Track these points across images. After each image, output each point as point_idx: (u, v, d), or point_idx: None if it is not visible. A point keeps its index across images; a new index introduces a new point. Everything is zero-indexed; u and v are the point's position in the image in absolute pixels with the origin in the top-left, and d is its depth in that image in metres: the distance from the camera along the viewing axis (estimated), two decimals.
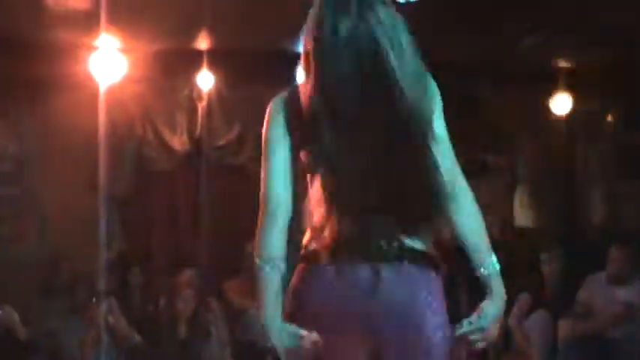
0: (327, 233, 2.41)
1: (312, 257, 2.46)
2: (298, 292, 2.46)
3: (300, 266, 2.51)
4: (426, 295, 2.46)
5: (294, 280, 2.50)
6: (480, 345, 2.50)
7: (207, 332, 6.86)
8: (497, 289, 2.62)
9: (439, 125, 2.51)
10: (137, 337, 6.61)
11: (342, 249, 2.38)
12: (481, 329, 2.49)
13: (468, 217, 2.61)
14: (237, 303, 7.25)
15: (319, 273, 2.42)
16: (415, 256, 2.44)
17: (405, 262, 2.41)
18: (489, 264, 2.67)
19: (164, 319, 6.76)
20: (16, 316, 6.46)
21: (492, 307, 2.56)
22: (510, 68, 8.06)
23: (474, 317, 2.51)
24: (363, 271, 2.38)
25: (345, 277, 2.37)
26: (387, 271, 2.38)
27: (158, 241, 8.23)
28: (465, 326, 2.48)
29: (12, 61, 7.06)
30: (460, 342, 2.47)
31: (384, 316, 2.37)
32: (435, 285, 2.52)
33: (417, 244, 2.45)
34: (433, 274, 2.52)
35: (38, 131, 7.76)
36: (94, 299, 6.58)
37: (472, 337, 2.48)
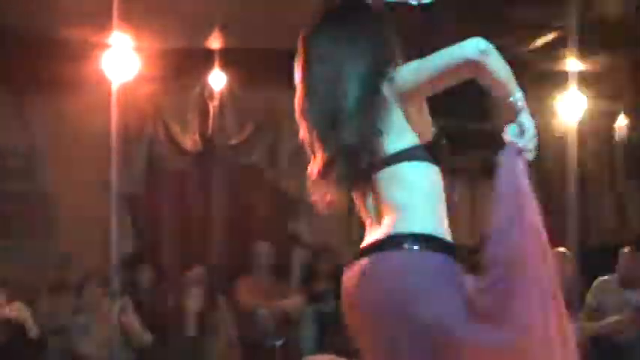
0: None
1: None
2: None
3: None
4: None
5: None
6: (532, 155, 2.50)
7: (215, 330, 6.89)
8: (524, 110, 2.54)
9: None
10: (148, 336, 6.63)
11: None
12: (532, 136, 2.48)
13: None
14: (247, 302, 7.26)
15: None
16: None
17: None
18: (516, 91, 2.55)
19: (173, 317, 6.78)
20: (27, 313, 6.48)
21: (526, 119, 2.52)
22: (520, 69, 8.05)
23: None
24: None
25: None
26: None
27: (168, 239, 8.25)
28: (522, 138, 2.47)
29: (25, 59, 7.10)
30: None
31: None
32: None
33: None
34: None
35: (50, 128, 7.79)
36: (108, 297, 6.60)
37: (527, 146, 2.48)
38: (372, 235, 2.49)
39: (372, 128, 2.44)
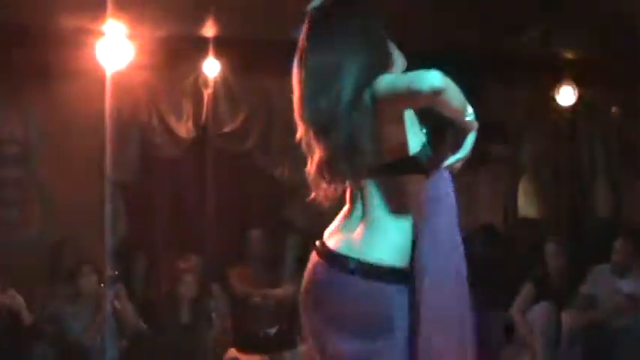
0: None
1: None
2: None
3: None
4: None
5: None
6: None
7: (209, 318, 6.89)
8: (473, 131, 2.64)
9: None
10: (142, 324, 6.64)
11: None
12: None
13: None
14: (240, 290, 7.27)
15: None
16: None
17: None
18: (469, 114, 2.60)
19: (166, 305, 6.79)
20: (21, 300, 6.48)
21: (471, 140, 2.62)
22: (515, 57, 8.05)
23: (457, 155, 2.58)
24: None
25: None
26: None
27: (162, 227, 8.25)
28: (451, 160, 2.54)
29: (19, 47, 7.07)
30: None
31: None
32: None
33: None
34: None
35: (44, 116, 7.77)
36: (101, 284, 6.60)
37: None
38: (342, 228, 2.66)
39: (362, 133, 2.49)
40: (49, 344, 6.61)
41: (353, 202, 2.68)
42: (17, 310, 6.41)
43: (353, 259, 2.55)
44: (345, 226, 2.66)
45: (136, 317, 6.65)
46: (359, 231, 2.60)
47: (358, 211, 2.65)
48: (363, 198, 2.62)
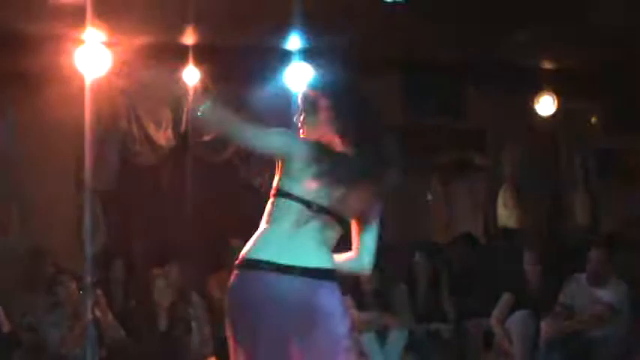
0: None
1: None
2: None
3: None
4: None
5: None
6: None
7: (188, 326, 6.86)
8: None
9: None
10: (122, 332, 6.60)
11: None
12: None
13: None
14: (220, 298, 7.25)
15: None
16: None
17: None
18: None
19: (144, 312, 6.76)
20: None
21: None
22: (495, 67, 8.09)
23: None
24: None
25: None
26: None
27: (141, 235, 8.22)
28: None
29: None
30: None
31: None
32: None
33: None
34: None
35: (23, 123, 7.72)
36: (80, 292, 6.56)
37: None
38: None
39: None
40: (28, 353, 6.58)
41: None
42: None
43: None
44: None
45: (116, 325, 6.62)
46: None
47: None
48: None
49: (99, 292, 6.64)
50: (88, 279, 6.65)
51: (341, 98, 3.15)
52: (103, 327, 6.56)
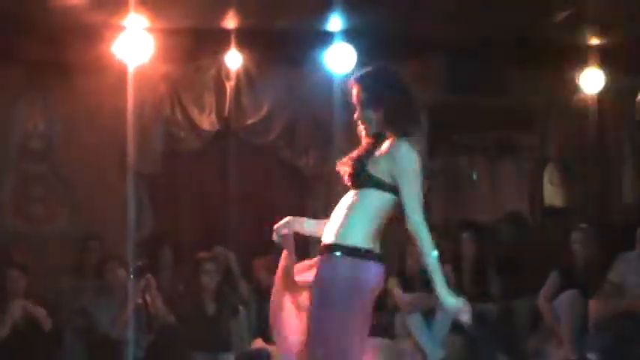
0: None
1: None
2: None
3: None
4: None
5: None
6: None
7: (235, 309, 6.90)
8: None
9: None
10: (171, 316, 6.63)
11: None
12: None
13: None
14: (266, 281, 7.27)
15: None
16: None
17: None
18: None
19: (192, 296, 6.79)
20: (41, 310, 6.45)
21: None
22: (540, 43, 7.98)
23: None
24: None
25: None
26: None
27: (187, 219, 8.27)
28: None
29: (42, 43, 7.10)
30: None
31: None
32: None
33: None
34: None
35: (68, 110, 7.80)
36: (131, 276, 6.59)
37: None
38: None
39: None
40: (78, 337, 6.65)
41: None
42: (38, 316, 6.38)
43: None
44: None
45: (165, 308, 6.65)
46: None
47: None
48: None
49: (149, 276, 6.66)
50: (134, 264, 6.68)
51: (390, 101, 3.50)
52: (153, 310, 6.60)
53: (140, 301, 6.55)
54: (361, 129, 3.61)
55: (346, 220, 3.47)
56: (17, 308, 6.33)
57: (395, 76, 3.60)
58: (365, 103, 3.53)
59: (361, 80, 3.57)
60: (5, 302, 6.35)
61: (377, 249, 3.47)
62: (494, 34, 7.59)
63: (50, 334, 6.42)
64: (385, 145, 3.47)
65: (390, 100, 3.49)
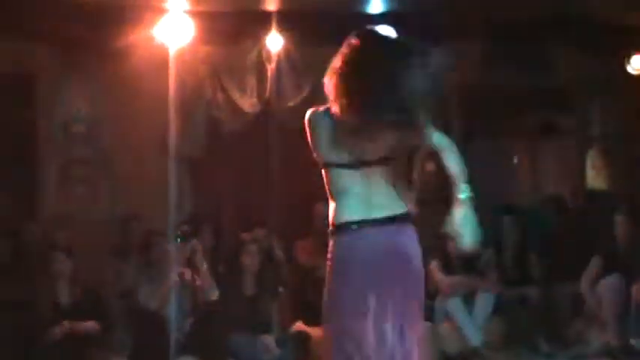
0: None
1: None
2: None
3: None
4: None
5: None
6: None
7: (275, 290, 6.91)
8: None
9: None
10: (216, 290, 6.61)
11: None
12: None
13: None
14: (305, 263, 7.29)
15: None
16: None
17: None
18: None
19: (232, 277, 6.81)
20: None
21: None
22: (584, 23, 7.88)
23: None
24: None
25: None
26: None
27: (228, 201, 8.31)
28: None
29: (83, 26, 7.15)
30: None
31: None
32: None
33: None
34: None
35: (110, 94, 7.87)
36: (178, 240, 6.57)
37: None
38: None
39: None
40: (122, 318, 6.71)
41: None
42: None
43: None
44: None
45: (211, 279, 6.61)
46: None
47: None
48: None
49: (195, 241, 6.64)
50: (172, 245, 6.67)
51: None
52: (198, 283, 6.58)
53: (184, 270, 6.51)
54: None
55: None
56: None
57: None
58: None
59: None
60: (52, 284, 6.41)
61: None
62: (535, 13, 7.51)
63: (97, 316, 6.45)
64: None
65: None
